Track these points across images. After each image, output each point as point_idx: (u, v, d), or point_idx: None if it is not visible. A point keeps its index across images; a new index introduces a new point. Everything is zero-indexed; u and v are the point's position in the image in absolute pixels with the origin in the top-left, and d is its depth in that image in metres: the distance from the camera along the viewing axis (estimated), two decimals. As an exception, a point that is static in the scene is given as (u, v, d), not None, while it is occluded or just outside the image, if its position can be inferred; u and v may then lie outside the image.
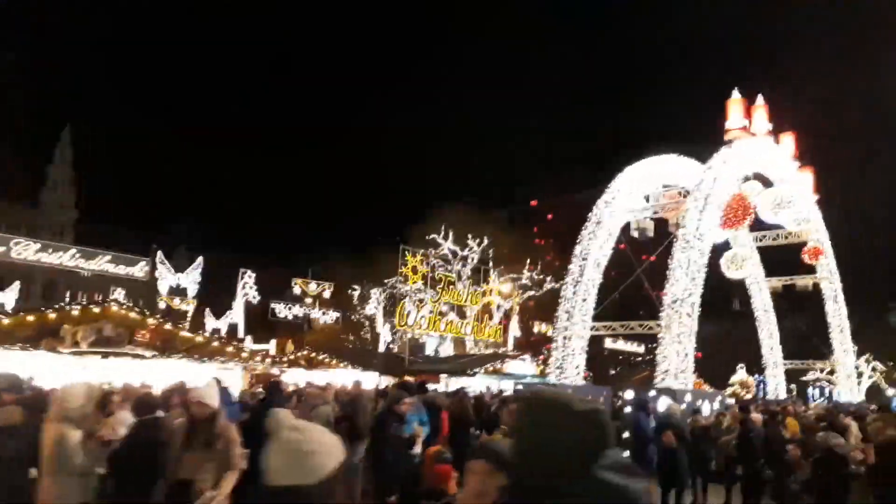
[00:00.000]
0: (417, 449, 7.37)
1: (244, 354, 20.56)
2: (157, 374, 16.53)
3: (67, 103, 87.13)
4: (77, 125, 63.21)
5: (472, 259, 44.09)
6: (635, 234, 21.99)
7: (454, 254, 44.45)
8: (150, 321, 18.06)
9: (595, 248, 21.33)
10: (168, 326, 18.65)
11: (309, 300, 43.21)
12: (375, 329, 39.53)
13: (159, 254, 28.75)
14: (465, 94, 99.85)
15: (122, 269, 25.60)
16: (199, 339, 19.37)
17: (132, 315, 17.74)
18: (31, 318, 16.12)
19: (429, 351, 39.23)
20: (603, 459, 1.89)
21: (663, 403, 17.16)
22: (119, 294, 27.47)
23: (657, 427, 11.13)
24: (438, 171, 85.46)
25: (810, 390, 46.40)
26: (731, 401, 30.97)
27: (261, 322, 39.30)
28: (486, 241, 44.69)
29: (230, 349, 20.15)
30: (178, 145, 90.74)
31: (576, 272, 21.12)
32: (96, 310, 17.16)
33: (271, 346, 37.39)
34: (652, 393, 17.40)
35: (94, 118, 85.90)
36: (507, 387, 21.73)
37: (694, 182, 21.03)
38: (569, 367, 20.38)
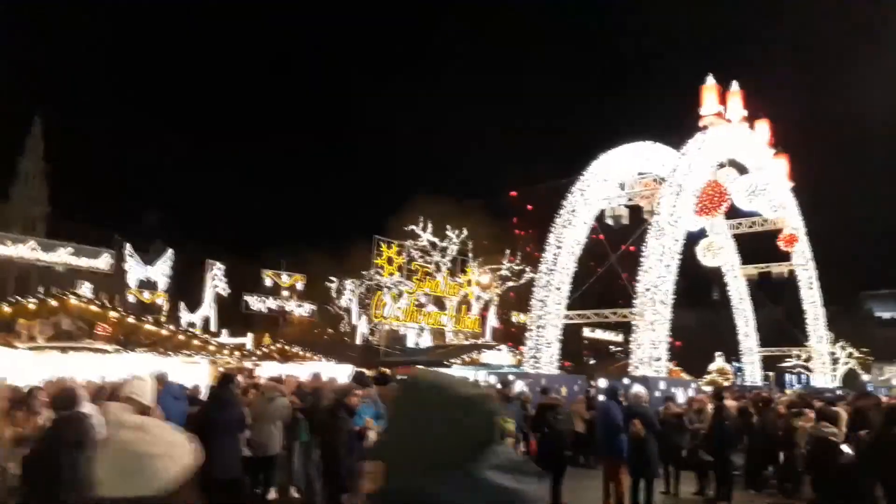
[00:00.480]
0: (369, 441, 7.02)
1: (211, 348, 20.05)
2: (118, 368, 16.04)
3: (36, 94, 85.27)
4: (47, 117, 61.76)
5: (452, 250, 43.77)
6: (610, 221, 21.77)
7: (433, 245, 44.10)
8: (112, 314, 17.51)
9: (569, 235, 21.08)
10: (131, 320, 18.11)
11: (285, 293, 42.70)
12: (351, 321, 39.10)
13: (128, 246, 28.10)
14: (442, 86, 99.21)
15: (84, 262, 24.89)
16: (164, 332, 18.85)
17: (92, 308, 17.18)
18: (-17, 312, 15.51)
19: (410, 343, 38.92)
20: (489, 456, 1.54)
21: (638, 391, 17.05)
22: (85, 288, 26.77)
23: (625, 416, 10.88)
24: (415, 163, 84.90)
25: (787, 377, 46.78)
26: (709, 388, 31.09)
27: (234, 315, 38.72)
28: (465, 233, 44.38)
29: (196, 342, 19.64)
30: (147, 135, 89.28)
31: (549, 260, 20.86)
32: (54, 303, 16.58)
33: (248, 339, 36.85)
34: (626, 381, 17.20)
35: (63, 109, 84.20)
36: (482, 377, 21.44)
37: (669, 169, 20.82)
38: (543, 356, 20.13)
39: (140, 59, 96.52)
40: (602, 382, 17.90)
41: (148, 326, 18.59)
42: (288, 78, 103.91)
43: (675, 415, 13.81)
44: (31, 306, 16.17)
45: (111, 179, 76.39)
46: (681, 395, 17.97)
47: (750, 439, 13.75)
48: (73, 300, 16.96)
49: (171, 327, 19.29)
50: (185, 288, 33.56)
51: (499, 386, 16.91)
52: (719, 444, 11.90)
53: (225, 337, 38.02)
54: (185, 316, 38.64)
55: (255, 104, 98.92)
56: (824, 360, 29.55)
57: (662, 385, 17.44)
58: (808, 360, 31.62)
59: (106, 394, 7.17)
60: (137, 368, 16.27)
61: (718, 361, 48.24)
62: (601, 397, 14.83)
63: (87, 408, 5.78)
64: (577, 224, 21.37)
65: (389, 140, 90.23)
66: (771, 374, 44.84)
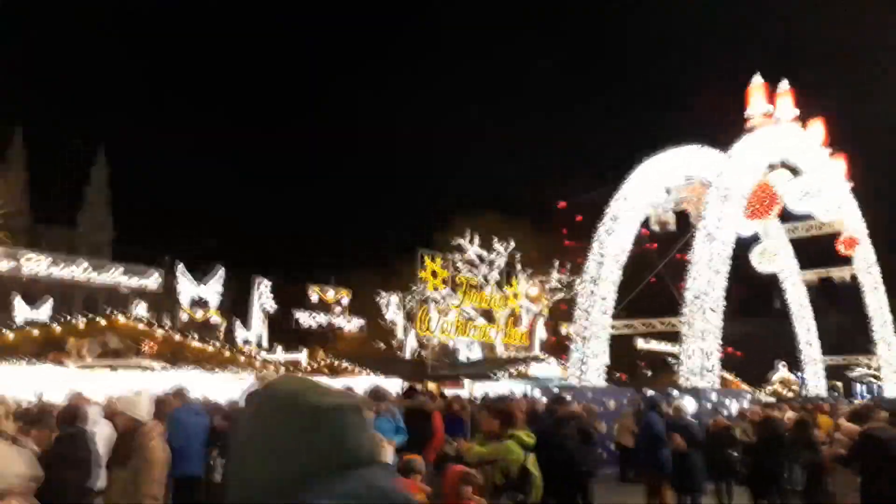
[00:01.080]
0: (387, 458, 6.82)
1: (257, 363, 20.27)
2: (165, 385, 16.33)
3: (100, 123, 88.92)
4: (110, 145, 64.37)
5: (499, 263, 43.54)
6: (655, 227, 21.14)
7: (480, 258, 43.95)
8: (159, 332, 17.88)
9: (612, 243, 20.55)
10: (177, 337, 18.46)
11: (338, 308, 43.11)
12: (397, 335, 39.13)
13: (180, 265, 28.80)
14: (484, 98, 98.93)
15: (134, 281, 25.59)
16: (210, 349, 19.14)
17: (139, 326, 17.57)
18: (35, 332, 16.02)
19: (462, 357, 38.73)
20: (336, 483, 1.26)
21: (687, 403, 16.39)
22: (140, 307, 27.56)
23: (666, 429, 10.42)
24: (461, 176, 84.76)
25: (857, 387, 44.64)
26: (771, 398, 29.81)
27: (287, 332, 39.25)
28: (512, 244, 44.12)
29: (242, 359, 19.89)
30: (193, 156, 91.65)
31: (593, 269, 20.36)
32: (102, 322, 17.02)
33: (302, 355, 37.31)
34: (675, 392, 16.56)
35: (124, 136, 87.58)
36: (519, 389, 21.07)
37: (716, 172, 20.13)
38: (589, 368, 19.61)
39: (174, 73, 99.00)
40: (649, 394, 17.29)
41: (194, 343, 18.92)
42: (328, 93, 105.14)
43: (724, 427, 13.18)
44: (81, 325, 16.63)
45: (166, 202, 78.81)
46: (734, 407, 17.24)
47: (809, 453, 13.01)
48: (120, 319, 17.39)
49: (217, 344, 19.58)
50: (238, 306, 34.22)
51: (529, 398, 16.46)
52: (764, 459, 11.25)
53: (279, 353, 38.62)
54: (241, 333, 39.42)
55: (293, 118, 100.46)
56: (895, 368, 27.96)
57: (714, 396, 16.73)
58: (878, 368, 30.03)
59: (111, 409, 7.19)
60: (186, 385, 16.61)
61: (781, 371, 46.46)
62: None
63: (93, 423, 5.77)
64: (621, 231, 20.83)
65: (427, 150, 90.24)
66: (839, 384, 42.87)
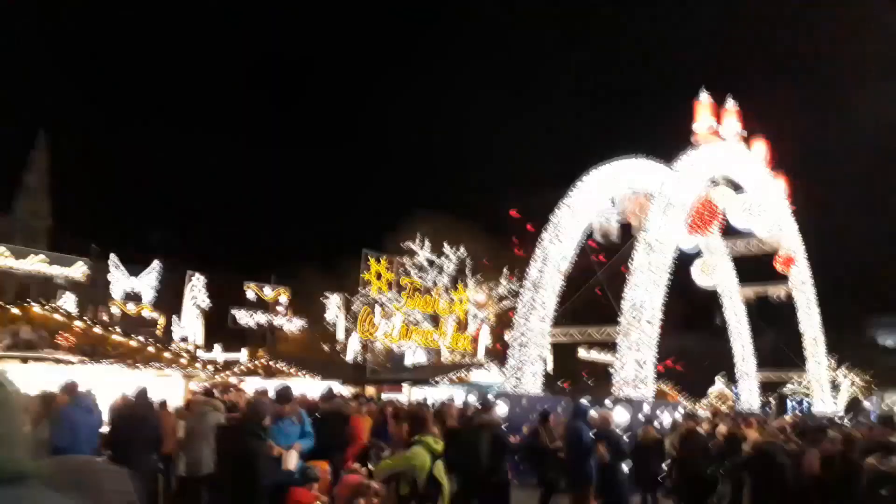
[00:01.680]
0: (289, 465, 6.38)
1: (183, 361, 19.44)
2: (83, 380, 15.45)
3: (41, 108, 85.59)
4: (51, 130, 61.90)
5: (449, 268, 43.30)
6: (599, 237, 21.13)
7: (430, 262, 43.66)
8: (77, 324, 16.95)
9: (555, 251, 20.44)
10: (97, 330, 17.54)
11: (280, 308, 42.14)
12: (336, 337, 38.44)
13: (112, 257, 27.63)
14: (442, 101, 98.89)
15: (56, 269, 24.40)
16: (133, 343, 18.26)
17: (56, 317, 16.63)
18: (-61, 318, 14.97)
19: (407, 362, 38.25)
20: None
21: (620, 413, 16.30)
22: (67, 298, 26.29)
23: (591, 439, 10.21)
24: (412, 179, 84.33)
25: (789, 402, 45.78)
26: (706, 412, 30.17)
27: (226, 330, 38.16)
28: (462, 250, 43.94)
29: (167, 355, 19.04)
30: (143, 143, 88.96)
31: (534, 276, 20.21)
32: (16, 311, 16.04)
33: (242, 354, 36.26)
34: (608, 402, 16.46)
35: (67, 122, 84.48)
36: (460, 396, 20.78)
37: (659, 184, 20.22)
38: (526, 375, 19.42)
39: (126, 58, 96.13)
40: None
41: (115, 337, 18.01)
42: (284, 85, 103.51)
43: (653, 439, 13.10)
44: (-8, 314, 15.63)
45: (108, 191, 76.13)
46: (667, 419, 17.25)
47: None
48: (35, 308, 16.42)
49: (141, 339, 18.69)
50: (175, 302, 33.07)
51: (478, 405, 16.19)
52: (688, 471, 11.17)
53: (217, 352, 37.47)
54: (179, 330, 38.11)
55: (249, 108, 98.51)
56: (823, 386, 28.63)
57: (646, 408, 16.68)
58: (808, 385, 30.73)
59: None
60: (105, 381, 15.74)
61: (719, 385, 47.33)
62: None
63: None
64: (564, 239, 20.74)
65: (385, 150, 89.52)
66: (772, 399, 43.89)
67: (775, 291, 28.06)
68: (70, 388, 7.25)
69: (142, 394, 7.72)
